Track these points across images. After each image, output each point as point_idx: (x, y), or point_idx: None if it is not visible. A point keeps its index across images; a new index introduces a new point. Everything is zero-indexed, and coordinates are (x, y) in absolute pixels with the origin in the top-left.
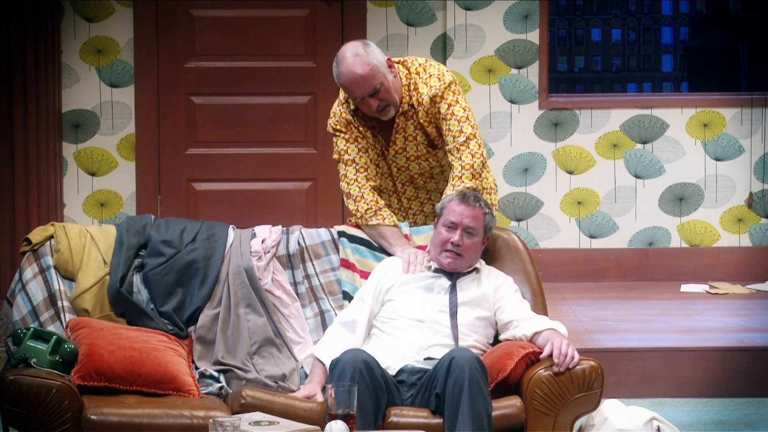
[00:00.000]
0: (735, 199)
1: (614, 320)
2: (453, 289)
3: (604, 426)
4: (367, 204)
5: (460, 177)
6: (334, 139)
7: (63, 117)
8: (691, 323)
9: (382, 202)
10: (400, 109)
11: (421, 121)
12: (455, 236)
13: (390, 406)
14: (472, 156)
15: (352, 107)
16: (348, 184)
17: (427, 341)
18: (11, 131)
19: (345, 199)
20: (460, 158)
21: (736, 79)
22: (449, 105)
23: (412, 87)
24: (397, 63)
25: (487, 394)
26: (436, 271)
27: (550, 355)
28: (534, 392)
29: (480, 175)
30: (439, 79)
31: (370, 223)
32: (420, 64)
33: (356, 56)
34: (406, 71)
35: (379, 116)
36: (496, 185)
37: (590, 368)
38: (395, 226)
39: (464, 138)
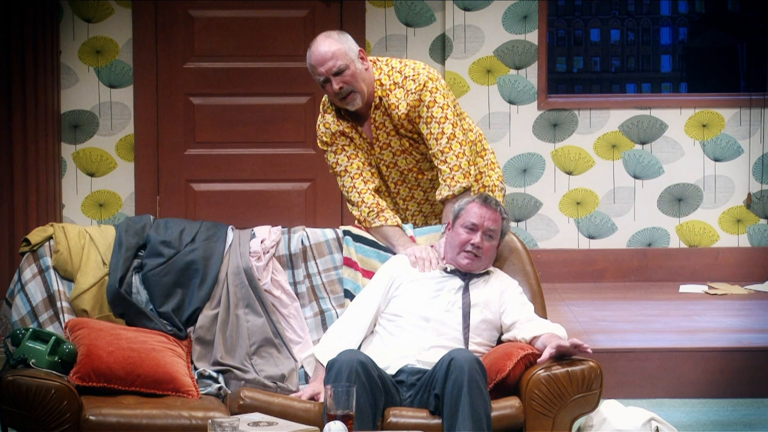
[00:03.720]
0: (734, 199)
1: (613, 321)
2: (466, 289)
3: (603, 426)
4: (368, 207)
5: (452, 178)
6: (324, 156)
7: (62, 117)
8: (690, 324)
9: (384, 204)
10: (373, 103)
11: (395, 123)
12: (476, 238)
13: (389, 407)
14: (457, 156)
15: (329, 114)
16: (347, 192)
17: (428, 342)
18: (10, 132)
19: (348, 207)
20: (445, 161)
21: (735, 79)
22: (427, 107)
23: (387, 86)
24: (372, 63)
25: (486, 395)
26: (450, 272)
27: (547, 359)
28: (533, 393)
29: (470, 174)
30: (413, 80)
31: (373, 225)
32: (393, 68)
33: (327, 37)
34: (378, 70)
35: (345, 105)
36: (502, 183)
37: (589, 369)
38: (398, 226)
39: (446, 139)
